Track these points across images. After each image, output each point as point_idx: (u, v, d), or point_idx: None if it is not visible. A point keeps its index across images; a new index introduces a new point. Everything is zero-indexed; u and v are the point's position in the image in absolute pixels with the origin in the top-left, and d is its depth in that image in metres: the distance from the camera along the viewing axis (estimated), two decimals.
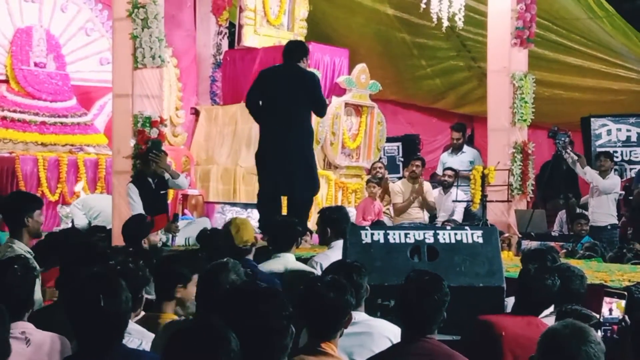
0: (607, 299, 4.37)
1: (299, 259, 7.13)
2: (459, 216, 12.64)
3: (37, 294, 5.57)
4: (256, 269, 6.19)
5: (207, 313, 4.37)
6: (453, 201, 12.74)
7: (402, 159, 15.09)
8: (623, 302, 4.35)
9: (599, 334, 4.24)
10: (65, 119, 12.43)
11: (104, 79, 12.65)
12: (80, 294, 3.61)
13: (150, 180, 9.79)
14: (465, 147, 13.76)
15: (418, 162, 12.54)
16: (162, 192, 9.94)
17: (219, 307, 3.51)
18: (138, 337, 4.36)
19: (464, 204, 12.64)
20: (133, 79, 10.23)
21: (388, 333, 4.71)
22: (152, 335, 4.40)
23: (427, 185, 12.46)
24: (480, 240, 6.37)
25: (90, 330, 3.51)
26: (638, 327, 3.57)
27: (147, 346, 4.27)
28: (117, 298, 3.55)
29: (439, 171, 13.76)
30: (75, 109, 12.76)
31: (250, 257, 6.64)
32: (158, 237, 8.47)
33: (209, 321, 3.16)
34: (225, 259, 4.67)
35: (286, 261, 6.57)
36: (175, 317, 4.87)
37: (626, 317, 4.28)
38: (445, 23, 12.72)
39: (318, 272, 6.51)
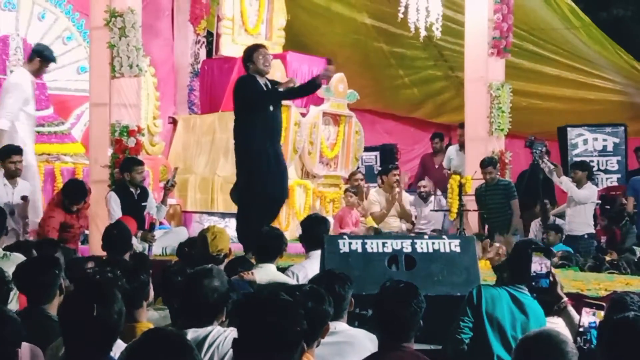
0: (586, 309, 4.47)
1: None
2: (438, 224, 12.69)
3: (13, 304, 5.56)
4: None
5: (190, 318, 4.38)
6: (431, 210, 12.80)
7: (379, 168, 15.13)
8: (602, 312, 4.44)
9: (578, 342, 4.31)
10: (42, 128, 12.33)
11: (82, 87, 12.61)
12: (74, 301, 3.61)
13: (132, 190, 9.78)
14: None
15: (397, 172, 12.57)
16: (143, 203, 9.94)
17: (233, 314, 3.50)
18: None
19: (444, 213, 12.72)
20: (110, 88, 10.23)
21: (368, 343, 4.72)
22: (124, 345, 4.38)
23: (402, 194, 12.51)
24: (458, 249, 6.39)
25: (81, 339, 3.51)
26: (607, 330, 3.63)
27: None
28: (110, 308, 3.55)
29: (445, 164, 13.81)
30: (52, 118, 12.69)
31: (221, 267, 6.61)
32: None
33: (169, 331, 3.15)
34: (209, 265, 4.67)
35: (267, 272, 6.55)
36: (151, 325, 4.86)
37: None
38: (423, 33, 12.77)
39: (294, 282, 6.49)
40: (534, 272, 4.84)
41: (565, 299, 4.91)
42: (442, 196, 13.30)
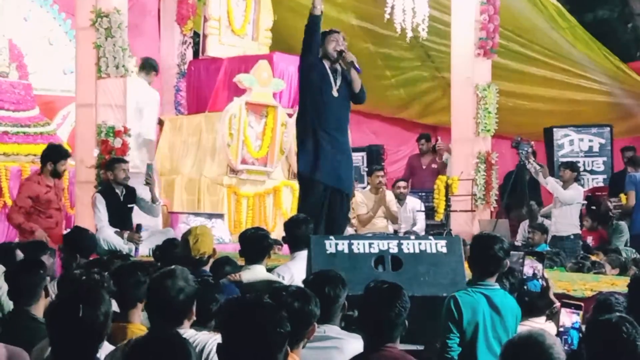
0: (565, 310, 4.49)
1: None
2: (421, 227, 12.66)
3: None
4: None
5: (158, 320, 4.37)
6: (418, 211, 12.80)
7: (366, 169, 15.13)
8: (581, 313, 4.47)
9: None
10: (27, 129, 12.32)
11: (67, 88, 12.59)
12: (60, 302, 3.61)
13: (117, 191, 9.76)
14: None
15: (381, 173, 12.54)
16: (129, 205, 9.92)
17: (217, 316, 3.49)
18: None
19: (423, 213, 12.74)
20: (96, 88, 10.21)
21: (358, 348, 4.68)
22: (111, 347, 4.36)
23: (389, 195, 12.48)
24: (444, 250, 6.40)
25: (67, 340, 3.51)
26: (591, 331, 3.66)
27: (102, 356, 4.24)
28: (96, 310, 3.55)
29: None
30: (38, 119, 12.66)
31: (207, 268, 6.59)
32: None
33: (168, 334, 3.16)
34: (172, 266, 4.64)
35: (256, 273, 6.54)
36: (144, 328, 4.85)
37: (582, 326, 4.39)
38: (409, 33, 12.79)
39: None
40: (526, 275, 4.86)
41: (558, 303, 4.91)
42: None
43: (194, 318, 4.47)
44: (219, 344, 3.31)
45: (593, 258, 9.84)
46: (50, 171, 9.73)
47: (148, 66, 12.06)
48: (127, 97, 11.10)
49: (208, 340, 4.44)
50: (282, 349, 3.29)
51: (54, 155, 9.84)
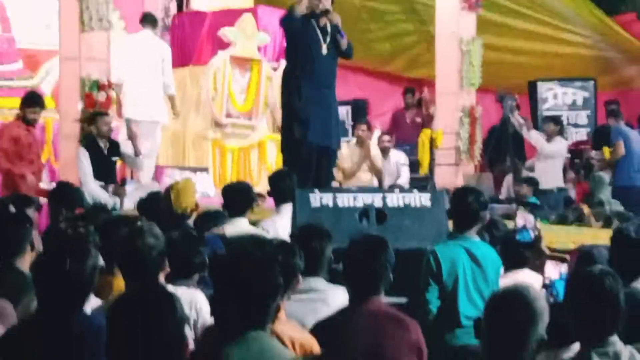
0: (550, 262, 4.54)
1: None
2: (404, 179, 12.68)
3: None
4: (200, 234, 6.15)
5: (132, 279, 4.32)
6: (402, 164, 12.81)
7: (351, 123, 15.11)
8: (565, 265, 4.52)
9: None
10: (11, 82, 12.27)
11: (51, 41, 12.50)
12: (47, 256, 3.62)
13: (101, 145, 9.76)
14: None
15: (364, 126, 12.52)
16: (113, 158, 9.92)
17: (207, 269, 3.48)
18: None
19: (407, 167, 12.76)
20: (80, 42, 10.15)
21: (343, 302, 4.72)
22: (98, 300, 4.37)
23: (374, 149, 12.48)
24: (429, 203, 6.44)
25: (53, 294, 3.53)
26: (574, 283, 3.71)
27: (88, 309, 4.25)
28: (83, 263, 3.56)
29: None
30: (21, 73, 12.60)
31: (190, 222, 6.60)
32: None
33: (153, 287, 3.17)
34: (139, 224, 4.62)
35: (240, 226, 6.56)
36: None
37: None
38: None
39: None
40: (518, 226, 4.89)
41: (548, 253, 4.95)
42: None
43: (168, 270, 4.47)
44: (211, 296, 3.33)
45: (585, 209, 9.89)
46: (22, 117, 9.71)
47: (152, 20, 11.73)
48: (148, 51, 11.04)
49: (192, 295, 4.47)
50: (274, 302, 3.31)
51: (25, 101, 9.80)
